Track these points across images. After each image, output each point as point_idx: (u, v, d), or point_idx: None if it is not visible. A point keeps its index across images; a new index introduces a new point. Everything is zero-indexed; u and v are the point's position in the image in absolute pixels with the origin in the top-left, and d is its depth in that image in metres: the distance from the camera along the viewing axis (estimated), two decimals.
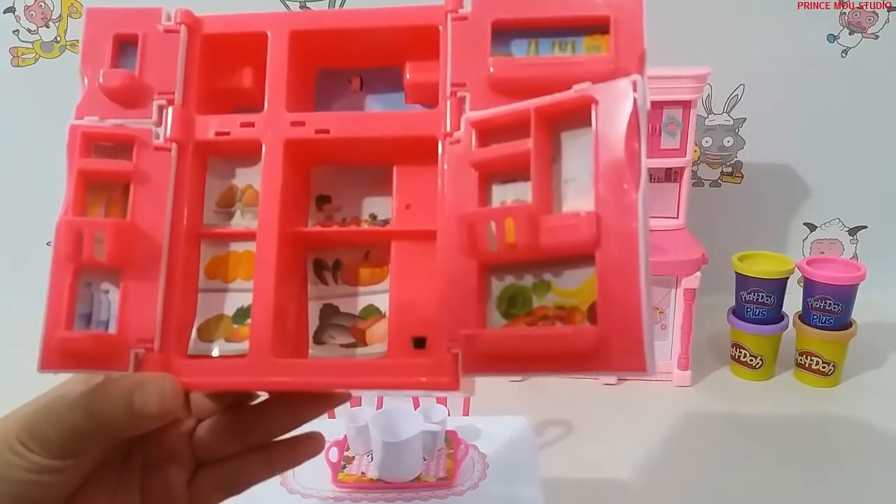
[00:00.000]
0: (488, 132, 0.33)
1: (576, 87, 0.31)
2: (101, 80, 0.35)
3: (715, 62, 0.99)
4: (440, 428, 0.63)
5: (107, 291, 0.35)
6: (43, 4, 1.18)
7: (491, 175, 0.33)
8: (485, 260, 0.32)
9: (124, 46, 0.37)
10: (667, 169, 1.03)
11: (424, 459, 0.62)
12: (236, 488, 0.37)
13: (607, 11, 0.33)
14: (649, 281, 0.29)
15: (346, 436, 0.65)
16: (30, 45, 1.20)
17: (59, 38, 1.19)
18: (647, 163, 0.31)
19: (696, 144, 1.19)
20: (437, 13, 0.35)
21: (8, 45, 1.19)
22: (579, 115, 0.31)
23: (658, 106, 0.99)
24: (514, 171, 0.33)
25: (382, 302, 0.38)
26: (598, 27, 0.34)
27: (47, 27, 1.19)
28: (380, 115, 0.38)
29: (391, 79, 0.40)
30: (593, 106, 0.31)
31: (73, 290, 0.34)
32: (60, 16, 1.18)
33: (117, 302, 0.34)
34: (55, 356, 0.33)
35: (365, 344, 0.38)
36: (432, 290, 0.34)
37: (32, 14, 1.18)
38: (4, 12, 1.18)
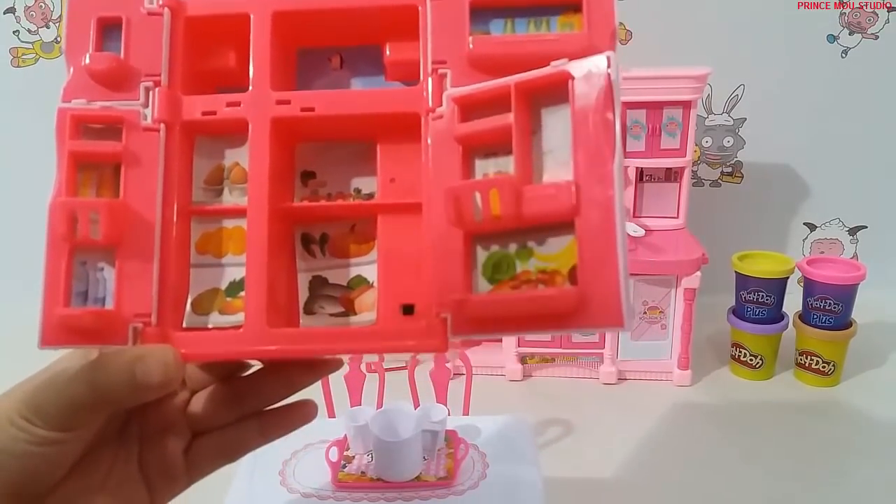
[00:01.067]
0: (470, 107, 0.35)
1: (553, 63, 0.33)
2: (87, 62, 0.36)
3: (715, 62, 0.99)
4: (440, 427, 0.63)
5: (101, 269, 0.35)
6: (43, 5, 1.18)
7: (473, 149, 0.35)
8: (470, 229, 0.34)
9: (108, 29, 0.37)
10: (667, 169, 1.03)
11: (424, 459, 0.62)
12: (232, 455, 0.38)
13: None
14: (625, 244, 0.31)
15: (346, 435, 0.65)
16: (30, 46, 1.20)
17: (59, 39, 1.19)
18: (623, 152, 0.32)
19: (696, 144, 1.20)
20: None
21: (8, 46, 1.19)
22: (557, 91, 0.33)
23: (658, 106, 0.99)
24: (495, 145, 0.34)
25: (370, 272, 0.39)
26: (570, 5, 0.35)
27: (47, 28, 1.19)
28: (364, 92, 0.39)
29: (371, 56, 0.41)
30: (570, 81, 0.32)
31: (68, 268, 0.34)
32: (60, 16, 1.18)
33: (113, 279, 0.35)
34: (55, 332, 0.34)
35: (354, 313, 0.39)
36: (418, 259, 0.35)
37: (32, 15, 1.18)
38: (4, 13, 1.18)
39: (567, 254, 0.32)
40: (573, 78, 0.32)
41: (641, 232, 0.98)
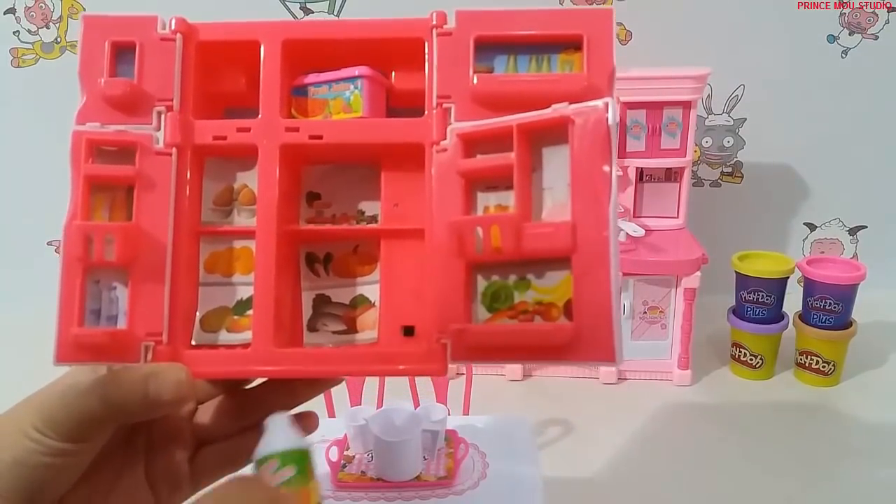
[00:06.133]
0: (473, 143, 0.36)
1: (554, 106, 0.34)
2: (102, 88, 0.37)
3: (715, 62, 0.99)
4: (440, 427, 0.63)
5: (114, 288, 0.37)
6: (43, 5, 1.18)
7: (475, 182, 0.36)
8: (471, 260, 0.35)
9: (121, 53, 0.38)
10: (667, 169, 1.04)
11: (424, 459, 0.62)
12: (236, 464, 0.39)
13: (580, 31, 0.36)
14: (619, 281, 0.33)
15: (346, 435, 0.65)
16: (30, 46, 1.20)
17: (59, 39, 1.19)
18: (618, 173, 0.35)
19: (696, 144, 1.20)
20: (423, 26, 0.37)
21: (8, 46, 1.19)
22: (557, 132, 0.35)
23: (658, 106, 0.99)
24: (497, 180, 0.36)
25: (372, 292, 0.41)
26: (571, 44, 0.37)
27: (47, 28, 1.19)
28: (371, 122, 0.39)
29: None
30: (570, 126, 0.34)
31: (83, 288, 0.36)
32: (60, 17, 1.18)
33: (126, 298, 0.36)
34: (70, 350, 0.35)
35: (356, 331, 0.41)
36: (419, 283, 0.37)
37: (33, 15, 1.18)
38: (5, 13, 1.18)
39: (563, 287, 0.34)
40: (573, 123, 0.34)
41: (641, 232, 0.98)
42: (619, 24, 1.16)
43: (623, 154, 1.02)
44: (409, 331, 0.39)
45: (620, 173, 1.02)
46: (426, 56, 0.37)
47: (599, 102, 0.34)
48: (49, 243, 1.25)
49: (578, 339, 0.33)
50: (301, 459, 0.34)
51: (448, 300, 0.35)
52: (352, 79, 0.39)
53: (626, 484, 0.76)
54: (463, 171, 0.36)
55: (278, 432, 0.35)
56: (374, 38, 0.39)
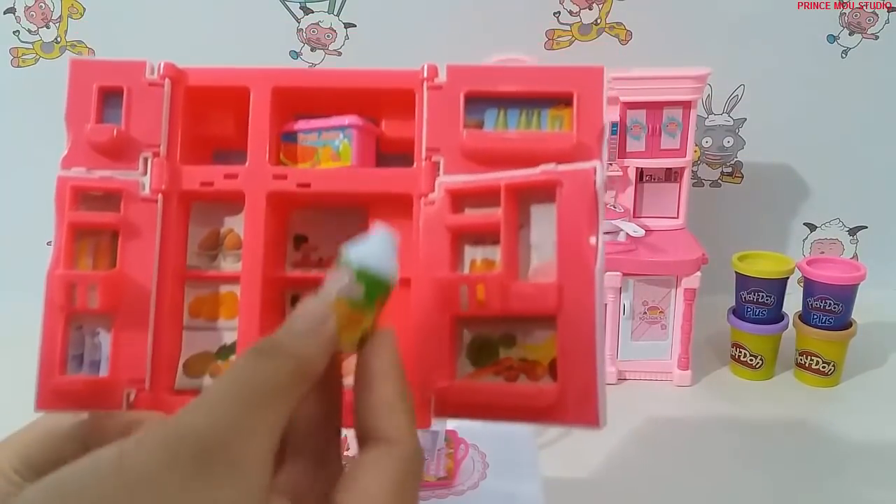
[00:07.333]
0: (461, 197, 0.36)
1: (542, 167, 0.34)
2: (87, 134, 0.36)
3: (715, 62, 0.99)
4: (440, 427, 0.63)
5: (97, 334, 0.36)
6: (43, 5, 1.18)
7: (462, 236, 0.36)
8: (456, 315, 0.35)
9: (108, 97, 0.38)
10: (667, 169, 1.03)
11: (425, 459, 0.62)
12: None
13: (571, 88, 0.36)
14: (603, 343, 0.33)
15: (345, 437, 0.65)
16: (30, 46, 1.20)
17: (59, 39, 1.19)
18: (605, 241, 0.35)
19: (696, 144, 1.20)
20: (414, 78, 0.37)
21: (8, 46, 1.19)
22: (545, 192, 0.35)
23: (658, 106, 0.99)
24: (484, 235, 0.36)
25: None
26: (561, 100, 0.37)
27: (47, 28, 1.19)
28: (359, 171, 0.39)
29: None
30: (558, 188, 0.34)
31: (65, 335, 0.35)
32: (60, 16, 1.18)
33: (108, 345, 0.36)
34: (52, 397, 0.35)
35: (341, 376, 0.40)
36: (404, 331, 0.36)
37: (33, 15, 1.18)
38: (4, 13, 1.18)
39: (548, 346, 0.34)
40: (561, 185, 0.34)
41: (641, 232, 0.98)
42: (620, 23, 1.16)
43: (623, 154, 1.02)
44: None
45: (620, 173, 1.02)
46: (416, 109, 0.37)
47: (588, 165, 0.34)
48: (49, 243, 1.25)
49: (562, 401, 0.33)
50: (375, 288, 0.29)
51: (432, 353, 0.35)
52: (341, 128, 0.39)
53: (626, 484, 0.76)
54: (450, 225, 0.36)
55: (374, 246, 0.30)
56: (365, 88, 0.39)
